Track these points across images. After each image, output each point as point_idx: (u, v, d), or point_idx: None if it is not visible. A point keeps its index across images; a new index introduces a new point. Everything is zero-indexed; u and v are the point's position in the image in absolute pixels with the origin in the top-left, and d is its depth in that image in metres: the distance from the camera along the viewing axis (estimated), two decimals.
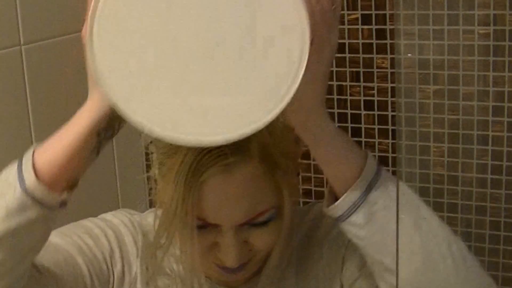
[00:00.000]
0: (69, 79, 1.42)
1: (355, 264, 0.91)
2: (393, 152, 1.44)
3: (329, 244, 0.93)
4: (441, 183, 1.35)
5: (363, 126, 1.42)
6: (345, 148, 0.79)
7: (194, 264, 0.87)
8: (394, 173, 1.44)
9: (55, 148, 0.77)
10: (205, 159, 0.81)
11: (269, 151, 0.83)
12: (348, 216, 0.78)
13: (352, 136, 1.42)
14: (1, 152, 1.28)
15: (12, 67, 1.29)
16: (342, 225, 0.80)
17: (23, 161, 0.77)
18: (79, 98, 1.59)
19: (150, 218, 0.95)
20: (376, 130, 1.44)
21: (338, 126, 1.16)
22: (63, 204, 0.78)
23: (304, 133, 0.78)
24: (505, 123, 1.30)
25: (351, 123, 1.43)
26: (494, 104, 1.30)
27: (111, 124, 0.78)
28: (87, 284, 0.88)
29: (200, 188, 0.82)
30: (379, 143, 1.45)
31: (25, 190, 0.75)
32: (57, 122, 1.51)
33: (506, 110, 1.29)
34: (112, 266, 0.92)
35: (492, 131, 1.31)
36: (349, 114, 1.43)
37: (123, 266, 0.92)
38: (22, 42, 1.30)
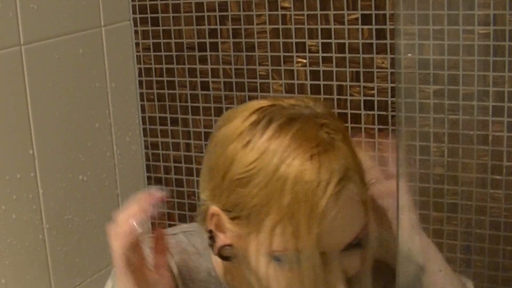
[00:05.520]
0: (69, 79, 1.42)
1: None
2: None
3: None
4: (441, 183, 1.35)
5: (363, 126, 1.42)
6: None
7: None
8: None
9: None
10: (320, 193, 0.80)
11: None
12: None
13: (352, 136, 1.42)
14: (1, 152, 1.28)
15: (12, 67, 1.29)
16: None
17: None
18: (79, 98, 1.59)
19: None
20: (376, 130, 1.44)
21: None
22: None
23: None
24: (505, 123, 1.30)
25: (351, 123, 1.43)
26: (494, 104, 1.29)
27: None
28: None
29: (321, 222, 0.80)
30: (379, 143, 1.45)
31: None
32: (57, 122, 1.51)
33: (506, 110, 1.29)
34: None
35: (492, 131, 1.31)
36: (349, 114, 1.43)
37: None
38: (22, 42, 1.30)
